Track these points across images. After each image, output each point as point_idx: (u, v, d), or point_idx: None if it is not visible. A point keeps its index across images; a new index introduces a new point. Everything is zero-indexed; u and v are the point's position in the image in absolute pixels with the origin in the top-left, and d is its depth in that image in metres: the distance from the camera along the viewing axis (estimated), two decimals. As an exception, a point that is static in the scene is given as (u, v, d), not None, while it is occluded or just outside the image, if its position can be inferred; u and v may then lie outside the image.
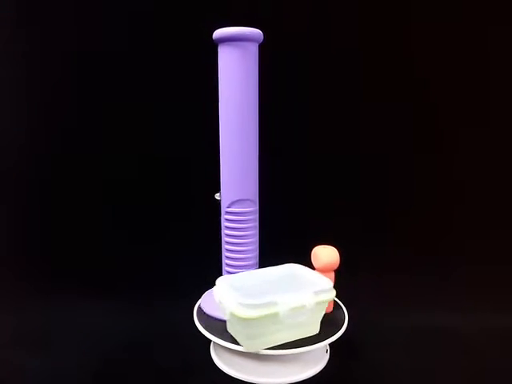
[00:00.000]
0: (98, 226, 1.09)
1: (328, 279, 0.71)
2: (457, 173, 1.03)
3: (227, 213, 0.79)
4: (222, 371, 0.76)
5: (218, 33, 0.72)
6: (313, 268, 0.78)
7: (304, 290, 0.67)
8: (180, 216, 1.08)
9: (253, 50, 0.74)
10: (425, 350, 0.84)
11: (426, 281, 1.02)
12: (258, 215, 0.82)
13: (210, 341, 0.79)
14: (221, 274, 0.84)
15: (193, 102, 0.99)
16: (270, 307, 0.63)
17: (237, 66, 0.73)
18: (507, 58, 0.98)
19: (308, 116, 1.01)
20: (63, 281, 1.05)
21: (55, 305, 1.00)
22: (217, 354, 0.79)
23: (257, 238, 0.82)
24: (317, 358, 0.76)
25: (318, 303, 0.67)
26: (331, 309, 0.80)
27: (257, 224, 0.82)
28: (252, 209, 0.79)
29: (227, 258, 0.81)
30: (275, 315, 0.63)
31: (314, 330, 0.71)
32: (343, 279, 0.81)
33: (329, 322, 0.75)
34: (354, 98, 1.01)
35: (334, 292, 0.69)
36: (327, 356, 0.78)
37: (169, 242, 1.07)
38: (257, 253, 0.83)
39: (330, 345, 0.78)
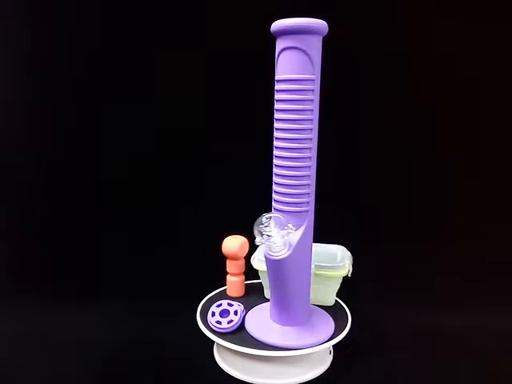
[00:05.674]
0: (98, 227, 1.08)
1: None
2: (453, 172, 1.03)
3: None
4: (225, 372, 0.77)
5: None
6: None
7: None
8: (178, 218, 1.09)
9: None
10: (428, 351, 0.84)
11: (427, 280, 1.03)
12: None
13: (213, 342, 0.79)
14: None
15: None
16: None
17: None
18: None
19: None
20: (63, 282, 1.04)
21: (55, 307, 0.98)
22: (220, 356, 0.80)
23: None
24: (320, 360, 0.77)
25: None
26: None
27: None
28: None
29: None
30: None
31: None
32: (345, 281, 0.82)
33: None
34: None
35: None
36: (330, 357, 0.80)
37: (169, 242, 1.08)
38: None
39: (333, 346, 0.78)
